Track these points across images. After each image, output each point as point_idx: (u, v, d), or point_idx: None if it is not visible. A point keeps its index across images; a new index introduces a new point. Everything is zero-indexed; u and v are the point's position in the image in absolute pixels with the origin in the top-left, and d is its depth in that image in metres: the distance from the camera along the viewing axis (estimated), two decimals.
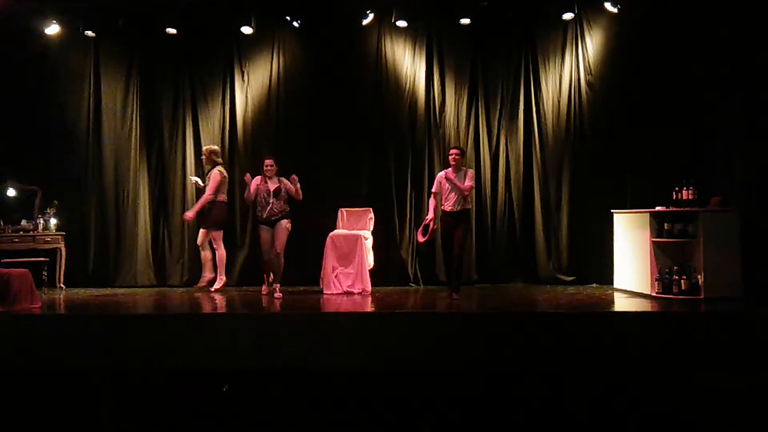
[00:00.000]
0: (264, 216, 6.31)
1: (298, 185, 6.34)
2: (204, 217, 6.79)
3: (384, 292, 6.87)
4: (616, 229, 6.75)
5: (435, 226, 6.31)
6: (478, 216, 7.43)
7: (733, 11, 6.49)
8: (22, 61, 7.61)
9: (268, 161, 6.37)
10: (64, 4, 7.30)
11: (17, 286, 5.66)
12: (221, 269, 6.87)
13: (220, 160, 6.96)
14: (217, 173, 6.78)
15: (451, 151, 6.20)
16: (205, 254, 6.90)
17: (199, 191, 7.02)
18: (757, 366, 4.61)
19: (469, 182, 6.06)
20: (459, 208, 6.05)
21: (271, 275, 6.55)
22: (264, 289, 6.65)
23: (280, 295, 6.36)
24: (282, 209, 6.32)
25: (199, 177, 7.18)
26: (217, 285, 6.86)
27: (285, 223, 6.31)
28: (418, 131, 7.57)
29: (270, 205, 6.26)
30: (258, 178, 6.38)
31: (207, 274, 6.91)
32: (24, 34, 7.48)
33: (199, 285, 6.92)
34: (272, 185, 6.31)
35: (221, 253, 6.84)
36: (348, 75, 7.61)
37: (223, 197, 6.84)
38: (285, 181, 6.38)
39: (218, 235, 6.82)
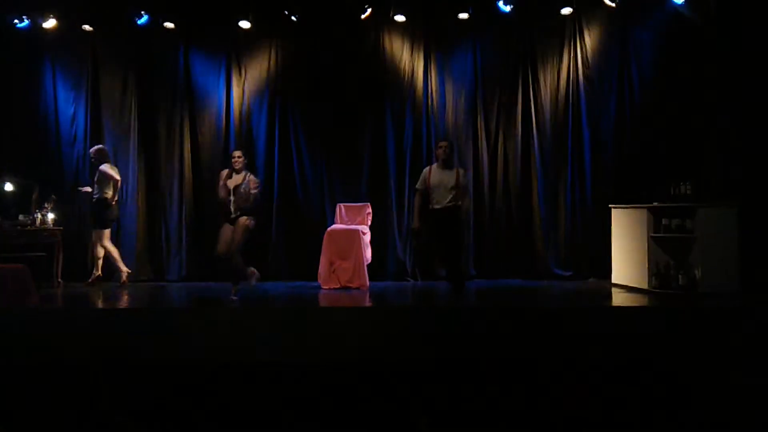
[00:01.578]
0: (225, 212, 5.88)
1: (254, 191, 5.85)
2: (96, 216, 6.91)
3: (382, 287, 6.89)
4: (614, 224, 6.76)
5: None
6: (476, 211, 7.43)
7: (734, 7, 6.50)
8: (20, 55, 7.59)
9: (236, 153, 6.02)
10: None
11: (15, 281, 5.67)
12: (98, 266, 6.96)
13: (107, 159, 7.01)
14: (106, 170, 6.89)
15: (441, 144, 5.73)
16: (111, 250, 6.95)
17: (86, 196, 7.18)
18: (753, 361, 4.62)
19: (466, 187, 5.70)
20: (449, 204, 5.52)
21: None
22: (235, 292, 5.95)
23: (236, 298, 5.89)
24: (242, 206, 5.81)
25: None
26: (91, 279, 6.95)
27: (244, 221, 5.78)
28: (416, 127, 7.56)
29: (230, 203, 5.82)
30: (225, 172, 5.99)
31: (122, 268, 7.00)
32: (21, 28, 7.46)
33: (123, 281, 6.97)
34: (235, 181, 5.87)
35: (101, 251, 6.92)
36: (346, 70, 7.58)
37: (110, 194, 6.90)
38: (251, 178, 5.94)
39: (106, 233, 6.93)
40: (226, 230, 5.86)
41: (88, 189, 7.09)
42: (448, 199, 5.53)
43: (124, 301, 6.20)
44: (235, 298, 5.92)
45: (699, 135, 6.91)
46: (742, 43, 6.46)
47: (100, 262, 6.98)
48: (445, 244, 5.59)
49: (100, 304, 6.03)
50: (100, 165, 6.94)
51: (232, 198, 5.84)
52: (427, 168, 5.80)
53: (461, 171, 5.76)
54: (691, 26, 6.87)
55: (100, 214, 6.91)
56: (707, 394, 4.09)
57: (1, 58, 7.56)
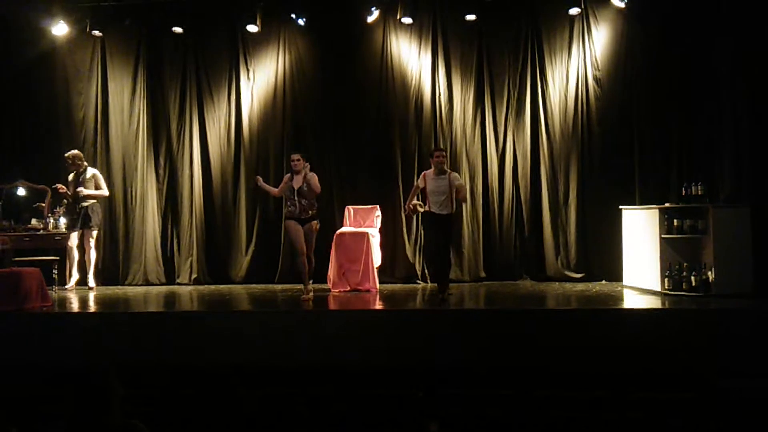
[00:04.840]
0: (294, 214, 6.09)
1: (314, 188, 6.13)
2: (85, 219, 7.01)
3: (391, 290, 6.88)
4: (625, 225, 6.70)
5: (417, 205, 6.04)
6: (485, 213, 7.41)
7: (741, 8, 6.43)
8: (30, 61, 7.68)
9: (294, 156, 6.18)
10: (71, 3, 7.33)
11: (28, 285, 5.72)
12: (91, 269, 7.07)
13: (85, 163, 7.16)
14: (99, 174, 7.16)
15: (436, 153, 5.96)
16: (77, 255, 7.07)
17: (54, 198, 7.21)
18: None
19: (461, 192, 5.97)
20: (445, 211, 5.89)
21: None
22: (307, 291, 6.09)
23: (312, 291, 6.21)
24: (311, 207, 6.10)
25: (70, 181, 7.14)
26: (91, 283, 7.08)
27: (315, 225, 6.14)
28: (425, 129, 7.54)
29: (297, 204, 6.05)
30: (287, 176, 6.23)
31: (76, 276, 7.08)
32: (32, 33, 7.54)
33: (71, 287, 7.04)
34: (297, 183, 6.08)
35: (94, 253, 7.09)
36: (354, 72, 7.59)
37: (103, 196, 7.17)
38: (311, 176, 6.10)
39: (96, 235, 7.11)
40: (296, 228, 6.05)
41: (64, 187, 7.04)
42: (441, 204, 5.90)
43: (146, 304, 6.28)
44: (309, 297, 6.02)
45: (711, 134, 6.83)
46: (752, 40, 6.39)
47: (92, 266, 7.09)
48: (438, 245, 5.95)
49: (127, 307, 6.11)
50: (89, 168, 7.12)
51: (297, 199, 6.04)
52: (423, 173, 6.10)
53: (454, 175, 6.04)
54: (701, 25, 6.80)
55: (96, 217, 7.07)
56: (718, 397, 4.05)
57: (12, 63, 7.65)
